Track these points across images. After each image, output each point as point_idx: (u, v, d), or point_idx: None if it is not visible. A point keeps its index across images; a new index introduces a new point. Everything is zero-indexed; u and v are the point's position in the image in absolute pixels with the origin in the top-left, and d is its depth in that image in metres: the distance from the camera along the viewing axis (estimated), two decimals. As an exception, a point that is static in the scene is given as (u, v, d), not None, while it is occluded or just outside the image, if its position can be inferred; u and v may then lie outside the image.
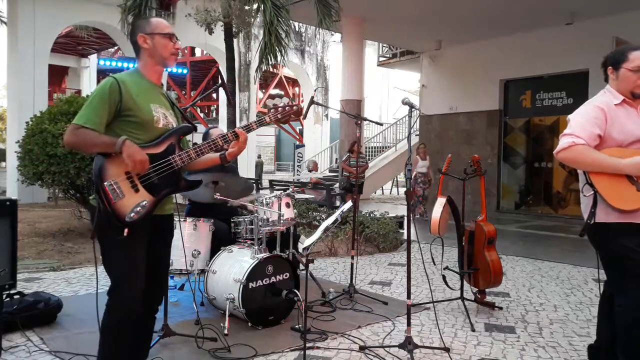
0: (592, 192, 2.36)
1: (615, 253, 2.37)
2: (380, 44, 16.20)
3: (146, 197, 2.22)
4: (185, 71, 19.30)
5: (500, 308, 4.14)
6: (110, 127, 2.23)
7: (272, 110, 2.51)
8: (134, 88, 2.25)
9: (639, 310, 2.27)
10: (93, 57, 20.12)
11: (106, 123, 2.20)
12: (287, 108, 2.50)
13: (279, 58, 8.15)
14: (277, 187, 11.65)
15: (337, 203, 9.75)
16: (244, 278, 3.42)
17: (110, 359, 2.26)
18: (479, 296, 4.09)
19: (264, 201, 3.94)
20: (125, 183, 2.18)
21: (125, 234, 2.14)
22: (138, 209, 2.17)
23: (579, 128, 2.35)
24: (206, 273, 3.76)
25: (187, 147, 2.42)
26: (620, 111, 2.40)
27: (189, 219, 3.77)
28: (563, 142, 2.36)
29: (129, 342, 2.29)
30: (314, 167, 15.64)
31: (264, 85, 22.95)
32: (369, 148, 16.60)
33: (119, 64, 17.39)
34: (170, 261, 3.41)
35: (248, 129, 2.45)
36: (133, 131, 2.24)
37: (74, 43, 17.84)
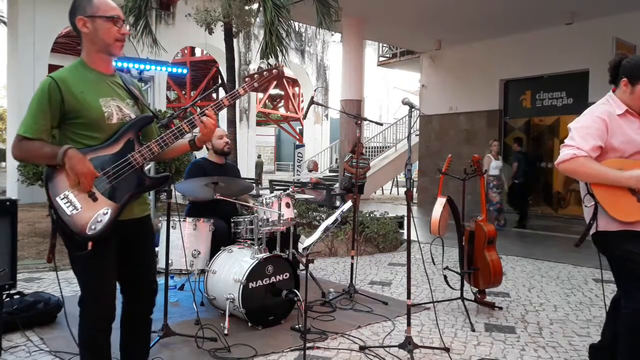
0: (593, 202, 2.35)
1: (620, 257, 2.37)
2: (380, 44, 16.19)
3: (107, 204, 2.01)
4: (185, 71, 19.23)
5: (500, 308, 4.14)
6: (61, 131, 2.03)
7: (246, 79, 2.26)
8: (77, 84, 2.01)
9: None
10: (93, 57, 20.08)
11: (51, 127, 1.99)
12: (264, 73, 2.22)
13: (280, 58, 8.14)
14: (277, 187, 11.65)
15: (337, 203, 9.75)
16: (244, 278, 3.42)
17: None
18: (479, 296, 4.09)
19: (264, 201, 3.94)
20: (80, 194, 1.97)
21: (89, 248, 1.96)
22: (99, 219, 1.97)
23: (580, 139, 2.33)
24: (206, 273, 3.76)
25: (155, 137, 2.19)
26: (623, 121, 2.37)
27: (188, 219, 3.77)
28: (564, 153, 2.34)
29: (108, 348, 2.18)
30: (314, 167, 15.65)
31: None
32: (369, 148, 16.60)
33: (119, 64, 17.36)
34: (170, 261, 3.45)
35: (218, 106, 2.20)
36: (85, 132, 2.02)
37: (74, 43, 17.80)
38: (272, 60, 7.97)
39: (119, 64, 16.78)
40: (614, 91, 2.48)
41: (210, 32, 8.85)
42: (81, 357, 2.18)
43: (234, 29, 8.98)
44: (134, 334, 2.34)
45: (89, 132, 2.03)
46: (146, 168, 2.26)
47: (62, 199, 1.96)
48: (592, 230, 2.39)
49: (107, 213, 2.00)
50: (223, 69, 9.28)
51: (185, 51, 19.80)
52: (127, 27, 2.07)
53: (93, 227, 1.97)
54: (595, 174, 2.31)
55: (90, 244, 1.97)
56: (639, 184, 2.28)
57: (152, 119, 2.20)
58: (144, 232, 2.28)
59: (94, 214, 1.99)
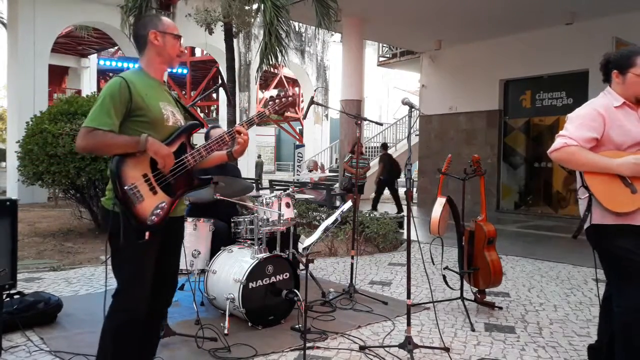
0: (587, 194, 2.36)
1: (612, 254, 2.38)
2: (380, 44, 16.20)
3: (164, 198, 2.20)
4: (185, 71, 19.30)
5: (500, 308, 4.14)
6: (121, 129, 2.18)
7: (270, 103, 2.55)
8: (141, 87, 2.22)
9: (637, 311, 2.28)
10: (93, 57, 20.11)
11: (119, 124, 2.17)
12: (283, 99, 2.55)
13: (279, 58, 8.14)
14: (277, 187, 11.64)
15: (337, 203, 9.75)
16: (244, 278, 3.42)
17: None
18: (478, 296, 4.09)
19: (264, 201, 3.95)
20: (144, 185, 2.15)
21: (146, 238, 2.11)
22: (158, 211, 2.16)
23: (574, 129, 2.36)
24: (206, 273, 3.77)
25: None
26: (621, 113, 2.39)
27: (189, 219, 3.77)
28: (556, 142, 2.39)
29: (131, 343, 2.25)
30: (314, 166, 15.63)
31: (264, 86, 22.95)
32: (369, 148, 16.60)
33: (119, 64, 17.37)
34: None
35: (251, 122, 2.49)
36: (144, 131, 2.19)
37: (74, 43, 17.83)
38: (271, 62, 7.97)
39: (120, 64, 16.80)
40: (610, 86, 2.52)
41: (210, 32, 8.85)
42: (101, 351, 2.22)
43: (234, 29, 8.98)
44: (147, 330, 2.38)
45: (148, 131, 2.20)
46: None
47: (130, 189, 2.11)
48: (587, 224, 2.40)
49: (164, 205, 2.20)
50: (223, 69, 9.27)
51: (185, 51, 19.79)
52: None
53: (152, 217, 2.15)
54: (586, 162, 2.33)
55: (147, 233, 2.13)
56: (629, 171, 2.29)
57: (200, 125, 2.41)
58: (179, 231, 2.45)
59: (154, 205, 2.17)
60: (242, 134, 2.40)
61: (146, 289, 2.22)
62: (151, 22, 2.34)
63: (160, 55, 2.32)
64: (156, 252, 2.25)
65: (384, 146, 12.15)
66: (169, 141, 2.25)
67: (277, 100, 2.55)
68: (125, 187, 2.10)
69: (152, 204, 2.15)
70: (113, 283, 2.24)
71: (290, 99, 2.57)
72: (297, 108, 23.06)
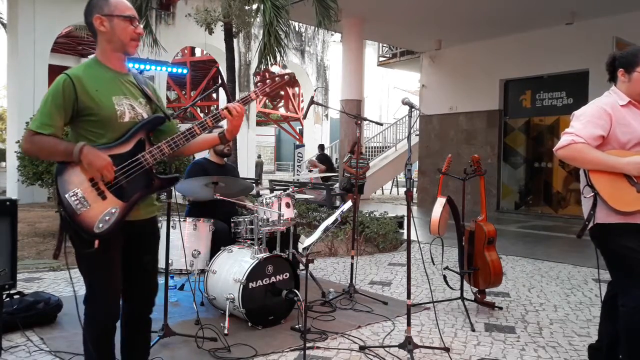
0: (593, 193, 2.36)
1: (618, 253, 2.38)
2: (380, 44, 16.19)
3: (115, 203, 2.01)
4: (185, 71, 19.27)
5: (500, 308, 4.14)
6: (72, 128, 2.04)
7: (259, 84, 2.30)
8: (91, 82, 2.02)
9: None
10: (93, 57, 20.11)
11: (64, 124, 2.00)
12: (277, 79, 2.28)
13: (278, 59, 8.15)
14: (277, 187, 11.64)
15: (337, 203, 9.75)
16: (244, 278, 3.42)
17: None
18: (479, 296, 4.09)
19: (264, 201, 3.95)
20: (91, 191, 1.98)
21: (96, 247, 1.97)
22: (107, 218, 1.98)
23: (581, 126, 2.36)
24: (206, 273, 3.76)
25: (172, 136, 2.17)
26: (626, 112, 2.40)
27: (188, 219, 3.77)
28: (562, 139, 2.38)
29: (112, 347, 2.19)
30: (312, 166, 15.61)
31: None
32: (369, 148, 16.60)
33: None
34: (170, 261, 3.45)
35: (245, 101, 2.26)
36: (96, 130, 2.02)
37: (74, 43, 17.80)
38: (270, 62, 7.97)
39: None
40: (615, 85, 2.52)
41: (210, 32, 8.85)
42: (86, 356, 2.19)
43: (234, 29, 8.98)
44: (134, 334, 2.34)
45: (101, 130, 2.04)
46: None
47: (71, 196, 1.96)
48: (591, 224, 2.40)
49: (115, 212, 2.01)
50: (223, 69, 9.27)
51: (185, 51, 19.80)
52: (141, 27, 2.12)
53: (100, 225, 1.98)
54: (593, 160, 2.33)
55: (96, 242, 1.98)
56: (636, 170, 2.29)
57: (163, 119, 2.20)
58: (148, 233, 2.28)
59: (102, 212, 1.99)
60: (233, 111, 2.15)
61: (114, 294, 2.12)
62: (96, 5, 2.08)
63: (110, 42, 2.08)
64: (119, 255, 2.11)
65: (321, 147, 13.40)
66: (123, 139, 2.05)
67: (268, 81, 2.27)
68: (66, 195, 1.94)
69: (100, 210, 1.98)
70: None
71: (286, 77, 2.27)
72: (296, 104, 23.03)
